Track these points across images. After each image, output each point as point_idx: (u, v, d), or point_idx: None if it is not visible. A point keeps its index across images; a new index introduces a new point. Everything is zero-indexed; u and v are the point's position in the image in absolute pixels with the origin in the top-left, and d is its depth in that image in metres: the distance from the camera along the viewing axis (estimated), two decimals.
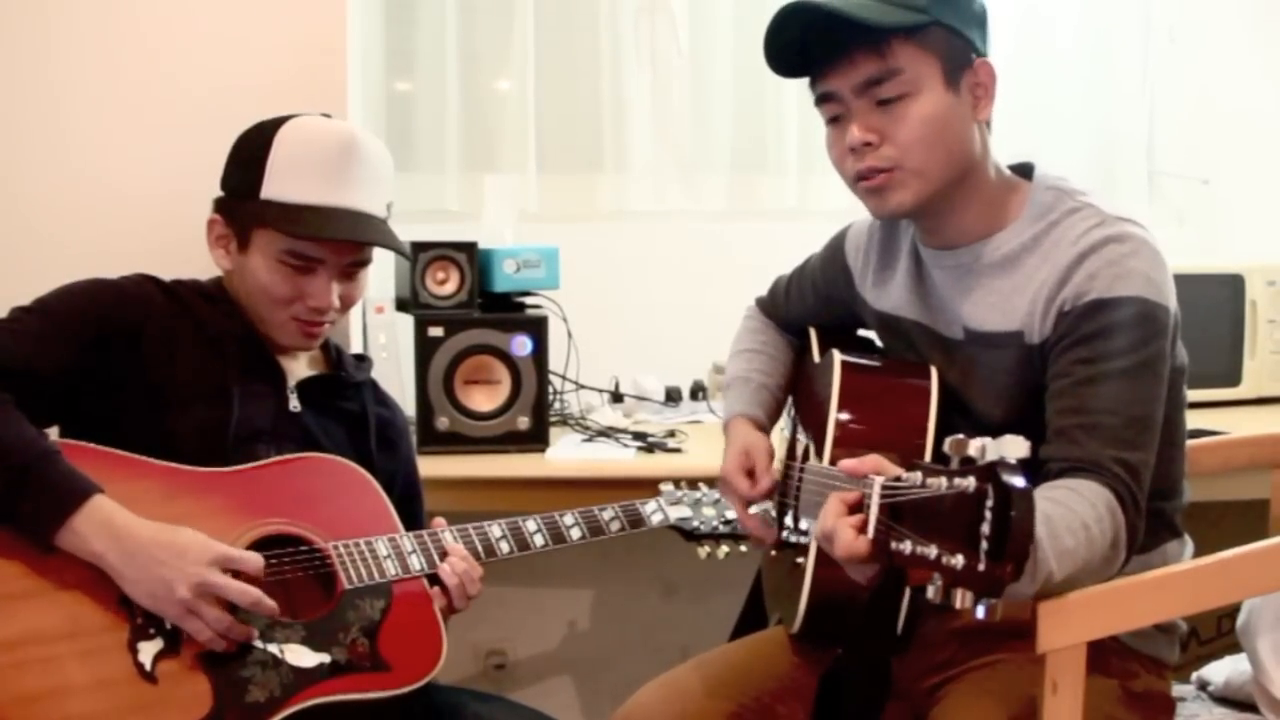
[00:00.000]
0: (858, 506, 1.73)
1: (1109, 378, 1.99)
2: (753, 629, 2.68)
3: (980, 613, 1.46)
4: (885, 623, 2.14)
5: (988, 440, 1.47)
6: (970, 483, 1.44)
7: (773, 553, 2.51)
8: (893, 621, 2.15)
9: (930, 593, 1.50)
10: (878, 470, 1.71)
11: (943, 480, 1.49)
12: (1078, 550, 1.84)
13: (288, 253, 2.34)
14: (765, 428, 2.53)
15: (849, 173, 2.15)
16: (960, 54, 2.09)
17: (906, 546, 1.55)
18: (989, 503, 1.41)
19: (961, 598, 1.46)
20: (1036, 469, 1.98)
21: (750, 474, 2.41)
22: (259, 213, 2.35)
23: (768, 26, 2.12)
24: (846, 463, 1.78)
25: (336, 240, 2.35)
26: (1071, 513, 1.86)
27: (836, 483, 1.84)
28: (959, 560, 1.44)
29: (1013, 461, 1.43)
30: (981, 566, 1.41)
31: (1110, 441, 1.97)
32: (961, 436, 1.51)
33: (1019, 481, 1.41)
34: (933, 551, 1.49)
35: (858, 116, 2.10)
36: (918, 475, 1.56)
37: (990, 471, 1.42)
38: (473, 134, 4.06)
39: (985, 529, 1.41)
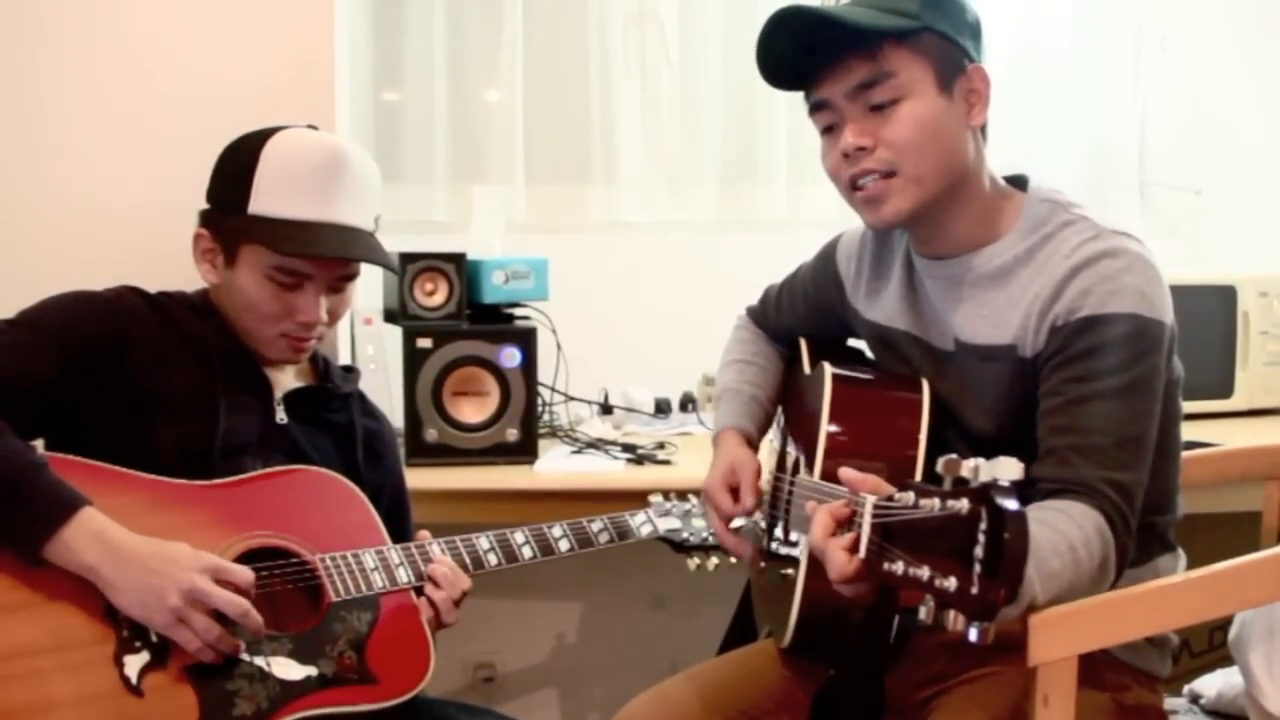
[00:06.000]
0: (847, 523, 1.72)
1: (1101, 397, 1.98)
2: (742, 641, 2.67)
3: (973, 635, 1.45)
4: (876, 638, 2.13)
5: (981, 461, 1.46)
6: (963, 504, 1.43)
7: (761, 564, 2.51)
8: (884, 637, 2.14)
9: (923, 614, 1.49)
10: (875, 489, 1.70)
11: (935, 501, 1.49)
12: (1063, 573, 1.83)
13: (276, 269, 2.33)
14: (755, 441, 2.52)
15: (844, 180, 2.14)
16: (953, 60, 2.08)
17: (899, 567, 1.54)
18: (982, 525, 1.40)
19: (954, 620, 1.45)
20: (1028, 486, 1.97)
21: (734, 491, 2.40)
22: (246, 228, 2.34)
23: (759, 36, 2.12)
24: (847, 472, 1.77)
25: (325, 257, 2.34)
26: (1058, 534, 1.86)
27: (828, 497, 1.83)
28: (952, 582, 1.43)
29: (1006, 484, 1.42)
30: (975, 589, 1.40)
31: (1101, 462, 1.96)
32: (954, 456, 1.50)
33: (1012, 504, 1.39)
34: (925, 573, 1.48)
35: (851, 122, 2.09)
36: (910, 495, 1.55)
37: (983, 494, 1.41)
38: (461, 144, 4.06)
39: (979, 552, 1.40)
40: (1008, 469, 1.44)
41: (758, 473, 2.43)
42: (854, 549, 1.68)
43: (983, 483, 1.43)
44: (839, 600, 1.78)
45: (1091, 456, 1.96)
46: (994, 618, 1.42)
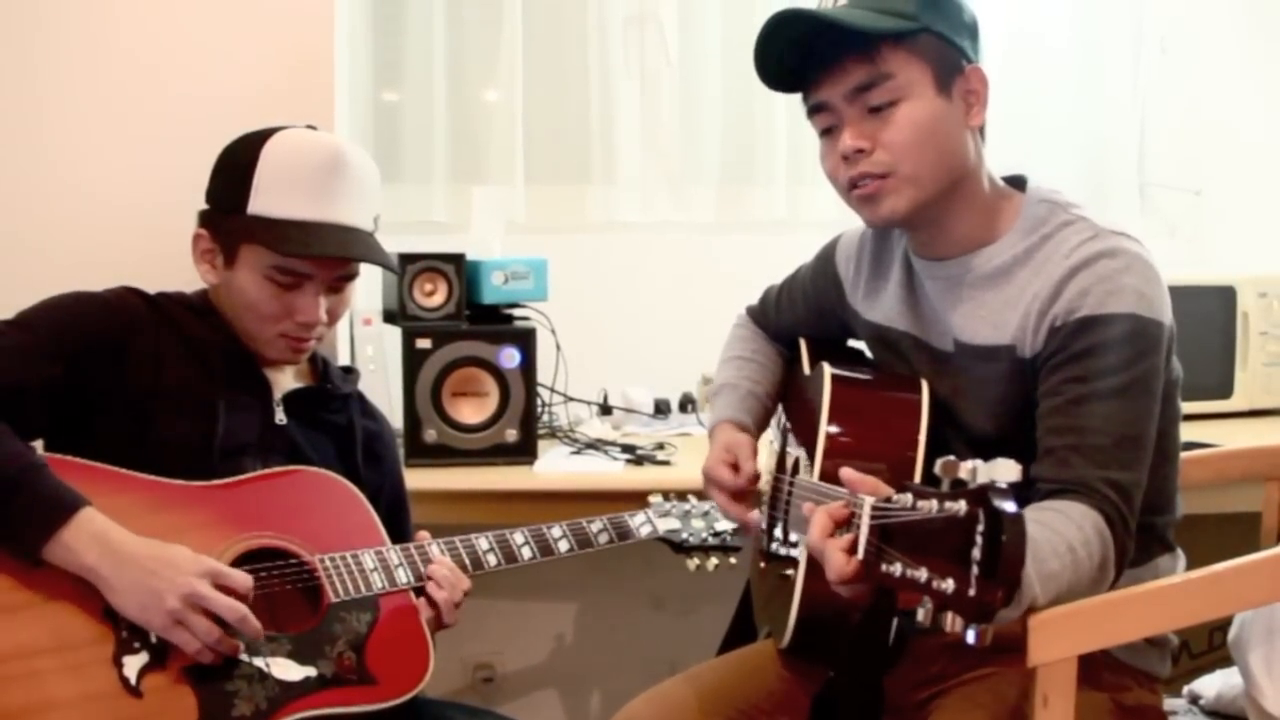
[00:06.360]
0: (845, 524, 1.72)
1: (1100, 397, 1.98)
2: (741, 642, 2.67)
3: (971, 637, 1.44)
4: (876, 639, 2.13)
5: (979, 463, 1.46)
6: (961, 506, 1.43)
7: (761, 565, 2.50)
8: (884, 638, 2.13)
9: (920, 615, 1.49)
10: (874, 490, 1.70)
11: (933, 503, 1.48)
12: (1062, 574, 1.83)
13: (275, 269, 2.33)
14: (751, 432, 2.52)
15: (842, 182, 2.13)
16: (951, 61, 2.08)
17: (896, 569, 1.54)
18: (980, 527, 1.40)
19: (952, 621, 1.45)
20: (1027, 487, 1.98)
21: (734, 466, 2.40)
22: (246, 229, 2.34)
23: (757, 39, 2.11)
24: (848, 472, 1.77)
25: (324, 257, 2.34)
26: (1057, 535, 1.85)
27: (827, 497, 1.83)
28: (949, 584, 1.43)
29: (1004, 485, 1.42)
30: (972, 591, 1.40)
31: (1100, 462, 1.96)
32: (953, 458, 1.50)
33: (1010, 506, 1.39)
34: (923, 575, 1.48)
35: (849, 124, 2.08)
36: (908, 497, 1.55)
37: (981, 495, 1.41)
38: (460, 145, 4.06)
39: (976, 554, 1.40)
40: (1005, 471, 1.43)
41: (755, 450, 2.43)
42: (852, 550, 1.68)
43: (980, 484, 1.43)
44: (838, 601, 1.78)
45: (1090, 456, 1.96)
46: (991, 620, 1.42)
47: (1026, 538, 1.41)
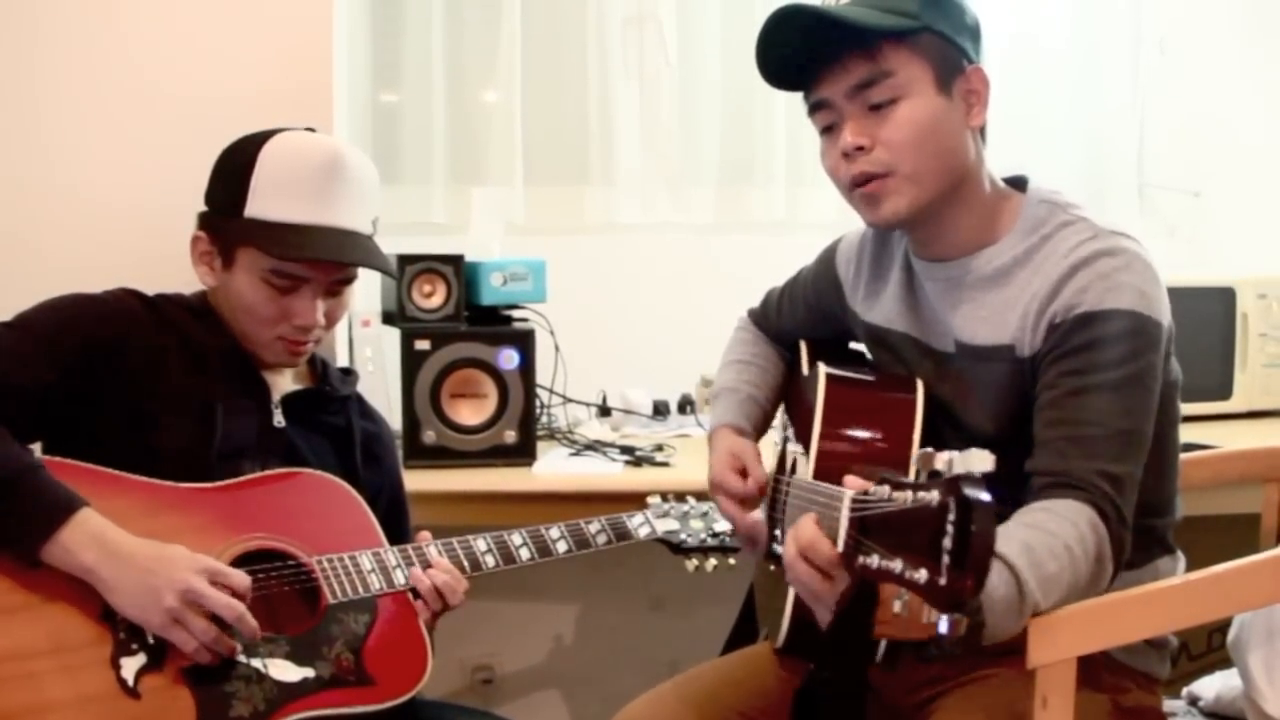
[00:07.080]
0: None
1: (1096, 390, 1.98)
2: (745, 643, 2.67)
3: (944, 627, 1.46)
4: (857, 634, 2.12)
5: (954, 454, 1.47)
6: (934, 496, 1.44)
7: (771, 567, 2.50)
8: (865, 633, 2.13)
9: (897, 607, 1.50)
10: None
11: (908, 494, 1.49)
12: (1062, 574, 1.83)
13: (273, 272, 2.33)
14: (750, 437, 2.51)
15: (843, 180, 2.13)
16: (952, 60, 2.08)
17: (874, 560, 1.55)
18: (951, 516, 1.41)
19: (926, 612, 1.46)
20: (1023, 481, 1.98)
21: (741, 473, 2.40)
22: (243, 231, 2.33)
23: (759, 35, 2.11)
24: (853, 479, 1.77)
25: (321, 261, 2.34)
26: (1052, 536, 1.86)
27: (819, 496, 1.83)
28: (922, 574, 1.44)
29: (977, 475, 1.42)
30: (943, 580, 1.41)
31: (1094, 454, 1.95)
32: (930, 450, 1.51)
33: (982, 495, 1.40)
34: (898, 565, 1.49)
35: (849, 121, 2.08)
36: (885, 489, 1.55)
37: (953, 485, 1.42)
38: (459, 146, 4.06)
39: (947, 543, 1.41)
40: (979, 461, 1.45)
41: (759, 456, 2.43)
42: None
43: (954, 475, 1.44)
44: None
45: (1085, 447, 1.96)
46: (964, 609, 1.44)
47: (995, 525, 1.42)
